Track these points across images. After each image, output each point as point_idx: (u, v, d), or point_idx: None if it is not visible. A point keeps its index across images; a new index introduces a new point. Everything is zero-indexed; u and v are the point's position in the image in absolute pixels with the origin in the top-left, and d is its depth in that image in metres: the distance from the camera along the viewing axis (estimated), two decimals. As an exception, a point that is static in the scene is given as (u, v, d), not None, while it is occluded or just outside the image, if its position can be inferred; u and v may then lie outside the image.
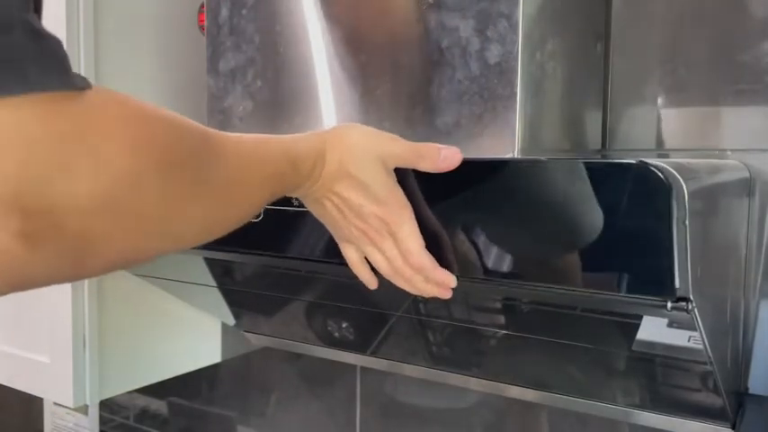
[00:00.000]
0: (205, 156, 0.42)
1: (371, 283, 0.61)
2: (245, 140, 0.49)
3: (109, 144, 0.34)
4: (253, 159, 0.48)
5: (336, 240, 0.60)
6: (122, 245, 0.37)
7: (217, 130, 0.46)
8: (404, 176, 0.56)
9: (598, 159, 0.55)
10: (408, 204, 0.55)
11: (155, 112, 0.38)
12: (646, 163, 0.45)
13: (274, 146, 0.52)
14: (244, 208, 0.48)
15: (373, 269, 0.60)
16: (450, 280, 0.55)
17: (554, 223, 0.50)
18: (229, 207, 0.46)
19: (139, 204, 0.36)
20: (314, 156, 0.54)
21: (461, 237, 0.55)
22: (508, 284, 0.55)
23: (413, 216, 0.55)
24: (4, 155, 0.30)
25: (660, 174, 0.44)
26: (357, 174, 0.54)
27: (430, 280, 0.56)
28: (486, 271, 0.54)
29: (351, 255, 0.60)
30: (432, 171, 0.54)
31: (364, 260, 0.59)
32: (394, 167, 0.55)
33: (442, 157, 0.53)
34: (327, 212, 0.57)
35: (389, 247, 0.56)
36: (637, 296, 0.48)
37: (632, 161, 0.46)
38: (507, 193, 0.52)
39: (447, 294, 0.57)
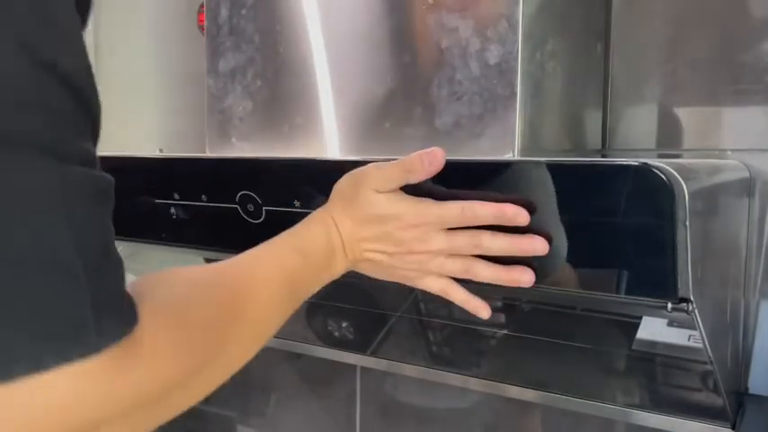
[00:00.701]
0: (233, 316, 0.44)
1: (480, 308, 0.57)
2: (241, 262, 0.49)
3: (160, 379, 0.35)
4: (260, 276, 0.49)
5: (415, 285, 0.57)
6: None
7: (236, 268, 0.48)
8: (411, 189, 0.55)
9: (599, 160, 0.55)
10: (423, 199, 0.54)
11: (195, 310, 0.40)
12: (648, 164, 0.45)
13: (270, 252, 0.52)
14: (267, 330, 0.49)
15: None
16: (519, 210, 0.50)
17: (554, 224, 0.50)
18: (257, 338, 0.48)
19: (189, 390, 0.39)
20: (322, 231, 0.54)
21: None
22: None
23: (435, 201, 0.53)
24: (65, 420, 0.31)
25: (662, 175, 0.44)
26: (363, 211, 0.54)
27: (503, 217, 0.51)
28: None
29: (433, 284, 0.57)
30: (424, 179, 0.53)
31: (452, 281, 0.56)
32: (390, 190, 0.54)
33: (427, 162, 0.52)
34: (377, 263, 0.56)
35: (441, 239, 0.53)
36: (637, 297, 0.48)
37: (634, 162, 0.46)
38: (508, 195, 0.52)
39: (540, 246, 0.50)
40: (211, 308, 0.42)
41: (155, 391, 0.35)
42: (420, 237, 0.53)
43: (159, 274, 0.43)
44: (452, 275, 0.56)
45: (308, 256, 0.53)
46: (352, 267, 0.57)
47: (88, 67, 0.33)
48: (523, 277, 0.52)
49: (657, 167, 0.44)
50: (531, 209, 0.50)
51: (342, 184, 0.56)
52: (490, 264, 0.53)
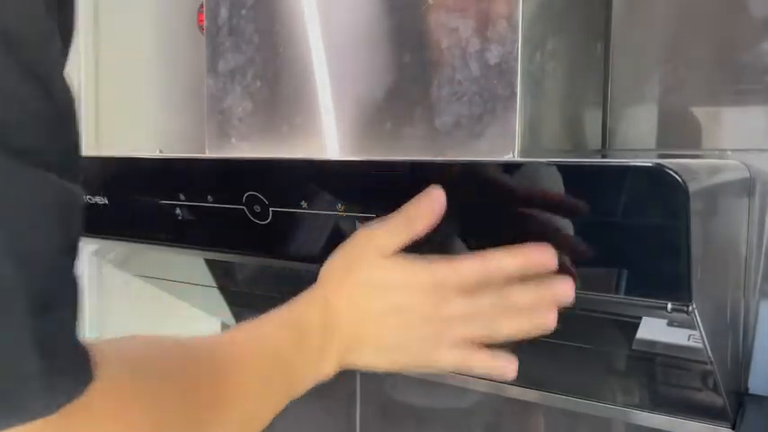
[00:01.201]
0: (212, 398, 0.40)
1: (506, 369, 0.50)
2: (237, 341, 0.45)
3: None
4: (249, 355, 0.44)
5: (426, 366, 0.51)
6: None
7: (215, 341, 0.44)
8: None
9: (608, 161, 0.54)
10: (432, 257, 0.47)
11: (164, 381, 0.36)
12: (662, 165, 0.44)
13: (261, 331, 0.46)
14: (254, 422, 0.45)
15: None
16: (547, 251, 0.45)
17: (558, 225, 0.50)
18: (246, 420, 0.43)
19: None
20: (316, 311, 0.48)
21: (467, 241, 0.53)
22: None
23: (447, 257, 0.47)
24: None
25: (677, 176, 0.44)
26: (365, 280, 0.48)
27: (526, 256, 0.45)
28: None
29: (449, 357, 0.48)
30: (432, 223, 0.47)
31: (472, 349, 0.48)
32: (397, 250, 0.47)
33: (429, 206, 0.46)
34: (381, 345, 0.49)
35: (460, 303, 0.46)
36: (637, 298, 0.48)
37: (648, 163, 0.45)
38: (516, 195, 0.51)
39: (568, 293, 0.46)
40: (184, 382, 0.37)
41: None
42: (436, 302, 0.46)
43: (129, 336, 0.38)
44: (475, 341, 0.48)
45: (302, 333, 0.46)
46: (345, 364, 0.50)
47: (63, 77, 0.29)
48: (549, 322, 0.47)
49: (672, 168, 0.44)
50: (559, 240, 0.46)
51: (334, 259, 0.51)
52: (511, 316, 0.47)
